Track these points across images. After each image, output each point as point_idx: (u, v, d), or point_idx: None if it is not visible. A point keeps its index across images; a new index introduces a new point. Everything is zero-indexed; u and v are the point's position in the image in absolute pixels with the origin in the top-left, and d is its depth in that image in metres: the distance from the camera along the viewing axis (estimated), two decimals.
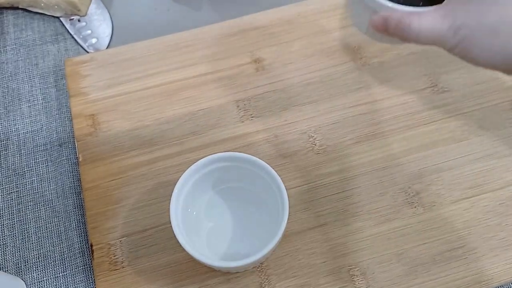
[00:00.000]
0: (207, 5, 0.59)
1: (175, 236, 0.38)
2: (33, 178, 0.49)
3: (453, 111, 0.50)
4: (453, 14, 0.36)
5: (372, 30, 0.41)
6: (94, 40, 0.56)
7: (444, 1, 0.37)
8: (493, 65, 0.36)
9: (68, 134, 0.51)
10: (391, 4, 0.40)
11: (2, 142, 0.51)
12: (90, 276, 0.45)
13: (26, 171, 0.49)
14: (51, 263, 0.45)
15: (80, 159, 0.48)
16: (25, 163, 0.49)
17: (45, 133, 0.51)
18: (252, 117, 0.50)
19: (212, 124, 0.50)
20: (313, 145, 0.48)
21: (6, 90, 0.54)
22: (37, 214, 0.47)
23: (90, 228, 0.45)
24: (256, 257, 0.37)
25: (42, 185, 0.48)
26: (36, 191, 0.48)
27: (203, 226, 0.44)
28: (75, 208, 0.47)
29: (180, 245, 0.38)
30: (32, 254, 0.46)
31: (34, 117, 0.52)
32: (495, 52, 0.35)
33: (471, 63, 0.37)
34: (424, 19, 0.37)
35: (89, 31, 0.57)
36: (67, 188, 0.48)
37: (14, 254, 0.46)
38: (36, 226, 0.47)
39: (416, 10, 0.39)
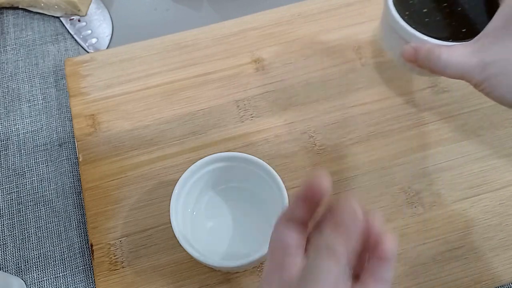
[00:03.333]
0: (207, 5, 0.59)
1: (175, 236, 0.38)
2: (33, 178, 0.49)
3: (453, 111, 0.50)
4: (483, 51, 0.35)
5: (403, 61, 0.41)
6: (94, 40, 0.56)
7: (476, 37, 0.37)
8: None
9: (68, 134, 0.51)
10: (422, 36, 0.40)
11: (2, 142, 0.51)
12: (90, 276, 0.45)
13: (26, 171, 0.49)
14: (51, 263, 0.45)
15: (80, 159, 0.48)
16: (25, 163, 0.49)
17: (45, 133, 0.51)
18: (252, 117, 0.50)
19: (212, 124, 0.50)
20: (313, 145, 0.48)
21: (6, 90, 0.54)
22: (37, 214, 0.47)
23: (90, 228, 0.45)
24: (256, 257, 0.37)
25: (42, 185, 0.48)
26: (36, 191, 0.48)
27: (203, 226, 0.44)
28: (75, 208, 0.47)
29: (180, 245, 0.38)
30: (32, 254, 0.46)
31: (34, 117, 0.52)
32: None
33: (496, 101, 0.36)
34: (453, 52, 0.36)
35: (89, 31, 0.57)
36: (67, 188, 0.48)
37: (14, 254, 0.46)
38: (36, 226, 0.47)
39: (446, 44, 0.39)
